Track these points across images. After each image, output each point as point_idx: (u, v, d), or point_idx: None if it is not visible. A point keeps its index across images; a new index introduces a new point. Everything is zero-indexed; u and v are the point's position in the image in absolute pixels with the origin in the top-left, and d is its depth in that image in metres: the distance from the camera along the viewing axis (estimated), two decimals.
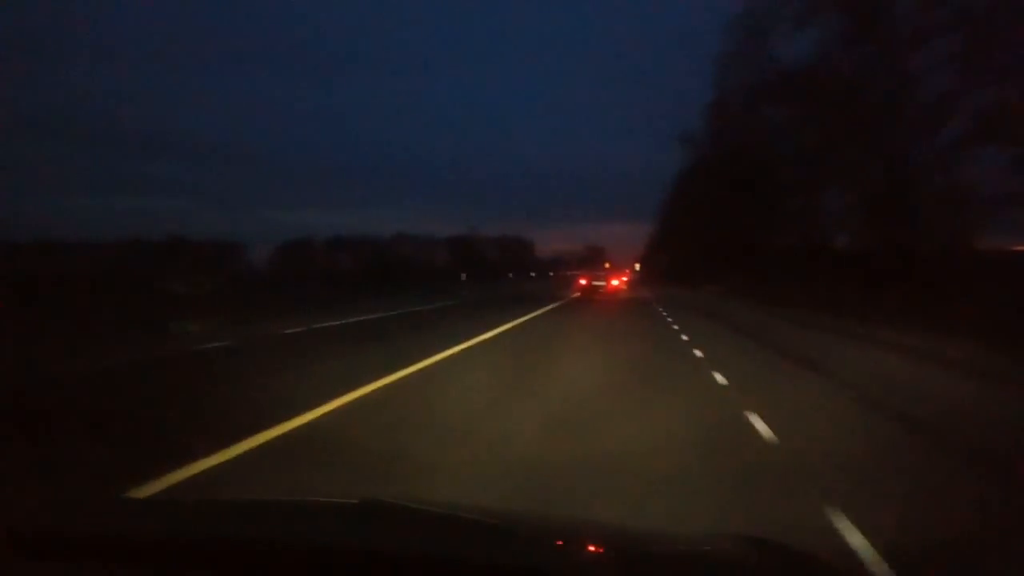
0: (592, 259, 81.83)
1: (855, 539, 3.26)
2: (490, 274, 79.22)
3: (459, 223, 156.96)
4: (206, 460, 4.65)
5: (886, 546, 3.12)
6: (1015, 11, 17.15)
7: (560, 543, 1.48)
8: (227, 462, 4.69)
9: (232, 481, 4.32)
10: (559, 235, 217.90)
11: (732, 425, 5.87)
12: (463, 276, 48.09)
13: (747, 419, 6.00)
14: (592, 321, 20.86)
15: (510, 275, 78.10)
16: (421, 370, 9.41)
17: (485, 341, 13.56)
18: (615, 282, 48.49)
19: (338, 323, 18.72)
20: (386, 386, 8.03)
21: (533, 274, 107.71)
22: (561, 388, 7.90)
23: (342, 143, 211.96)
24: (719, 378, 8.59)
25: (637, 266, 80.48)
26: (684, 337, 14.48)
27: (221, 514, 1.67)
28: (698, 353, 11.50)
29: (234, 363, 11.16)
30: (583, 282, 43.89)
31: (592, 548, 1.45)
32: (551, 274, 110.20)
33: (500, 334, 15.16)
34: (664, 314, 22.42)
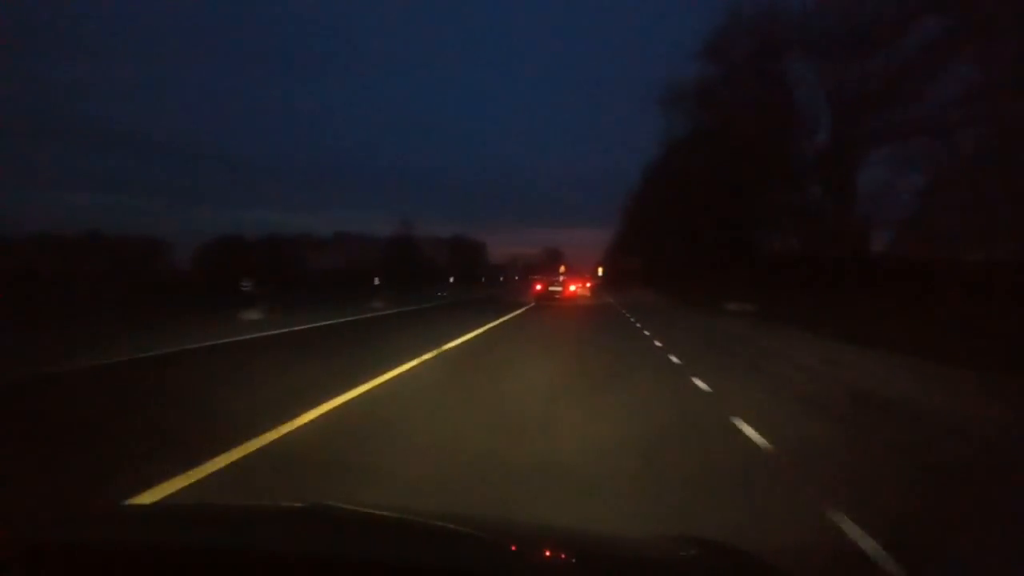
0: (546, 264, 76.06)
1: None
2: (424, 279, 66.35)
3: (430, 221, 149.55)
4: None
5: None
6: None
7: (514, 548, 1.44)
8: None
9: None
10: (517, 239, 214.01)
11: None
12: (376, 281, 35.46)
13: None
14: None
15: (451, 280, 65.06)
16: None
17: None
18: (573, 287, 45.47)
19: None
20: None
21: (483, 279, 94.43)
22: None
23: (294, 143, 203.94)
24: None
25: (600, 270, 72.57)
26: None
27: (161, 520, 1.67)
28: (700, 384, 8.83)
29: None
30: (538, 287, 41.43)
31: (548, 553, 1.45)
32: (501, 279, 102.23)
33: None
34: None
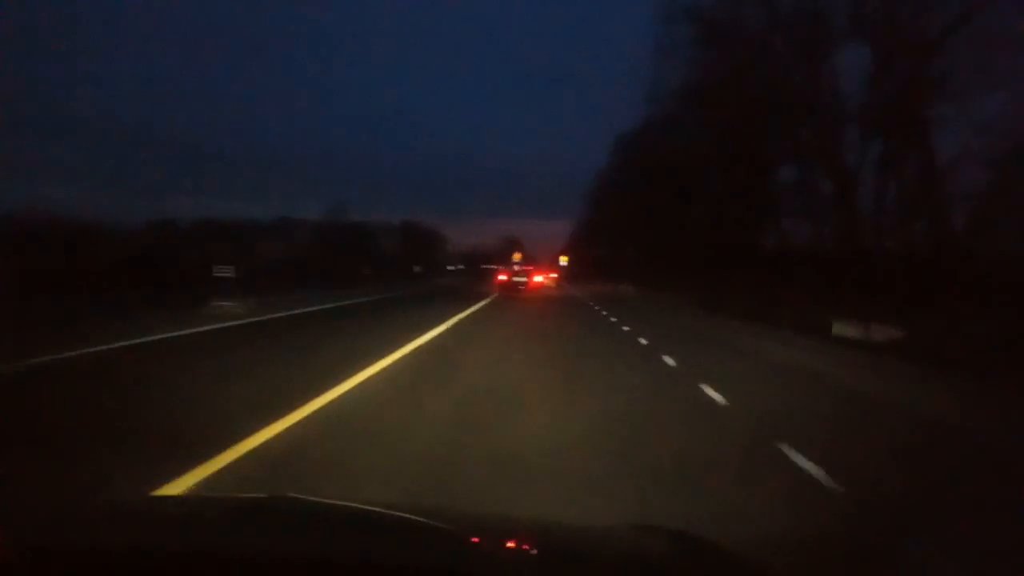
0: (504, 253, 71.19)
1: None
2: (349, 271, 51.21)
3: (383, 212, 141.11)
4: None
5: None
6: None
7: (476, 540, 1.42)
8: None
9: None
10: (477, 230, 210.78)
11: None
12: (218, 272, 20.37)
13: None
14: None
15: (415, 269, 60.56)
16: None
17: None
18: (539, 278, 44.84)
19: None
20: None
21: (418, 268, 75.13)
22: None
23: (243, 129, 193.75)
24: None
25: (564, 259, 66.21)
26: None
27: (119, 513, 1.61)
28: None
29: None
30: (503, 278, 40.64)
31: (511, 545, 1.43)
32: (450, 268, 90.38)
33: None
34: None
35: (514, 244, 76.05)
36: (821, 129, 22.53)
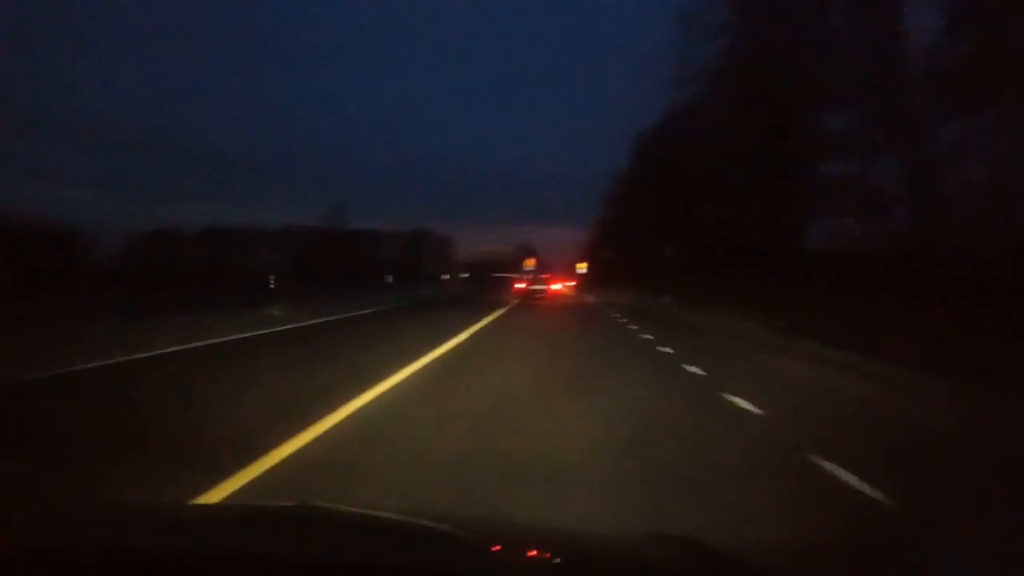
0: (516, 260, 66.14)
1: None
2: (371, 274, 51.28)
3: (387, 220, 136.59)
4: None
5: None
6: None
7: (497, 548, 1.44)
8: None
9: None
10: (488, 237, 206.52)
11: None
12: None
13: None
14: None
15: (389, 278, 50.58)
16: None
17: None
18: (556, 286, 44.77)
19: None
20: None
21: (390, 278, 59.70)
22: None
23: (251, 136, 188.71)
24: None
25: (583, 266, 58.33)
26: None
27: (148, 521, 1.62)
28: None
29: None
30: (521, 286, 40.46)
31: (531, 553, 1.45)
32: (445, 277, 79.58)
33: None
34: None
35: (527, 251, 67.88)
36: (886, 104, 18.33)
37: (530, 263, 51.57)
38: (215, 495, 3.49)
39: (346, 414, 5.65)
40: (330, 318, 18.15)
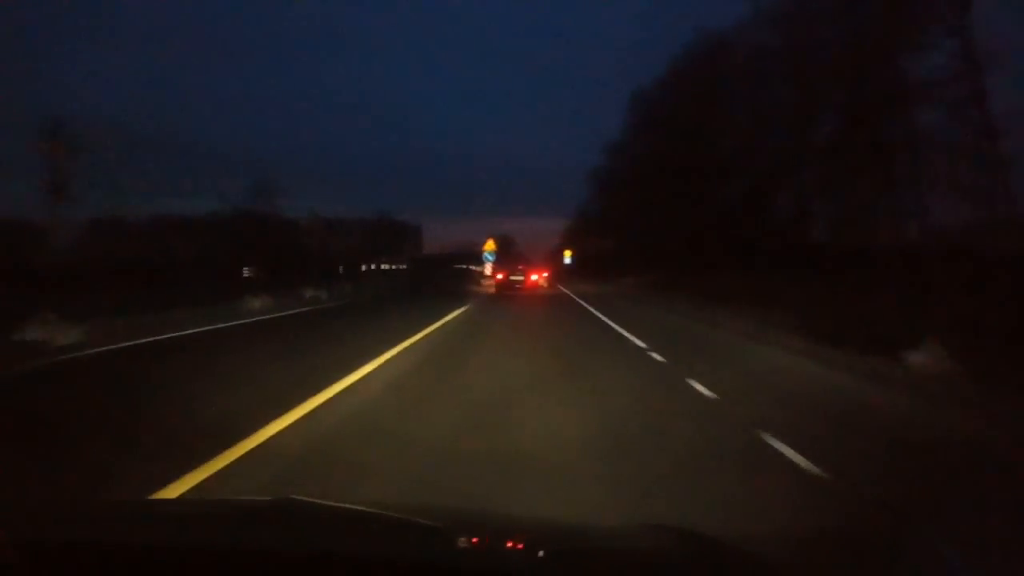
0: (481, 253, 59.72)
1: None
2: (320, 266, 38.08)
3: (355, 208, 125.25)
4: None
5: None
6: None
7: (484, 540, 1.41)
8: None
9: None
10: (464, 228, 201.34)
11: None
12: None
13: None
14: None
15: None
16: None
17: None
18: (535, 277, 44.37)
19: None
20: None
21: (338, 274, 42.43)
22: None
23: (216, 127, 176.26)
24: None
25: (568, 254, 55.96)
26: None
27: (125, 516, 1.59)
28: None
29: None
30: (499, 277, 39.64)
31: (511, 544, 1.42)
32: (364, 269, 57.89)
33: None
34: None
35: (506, 243, 58.95)
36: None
37: (490, 246, 47.82)
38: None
39: None
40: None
